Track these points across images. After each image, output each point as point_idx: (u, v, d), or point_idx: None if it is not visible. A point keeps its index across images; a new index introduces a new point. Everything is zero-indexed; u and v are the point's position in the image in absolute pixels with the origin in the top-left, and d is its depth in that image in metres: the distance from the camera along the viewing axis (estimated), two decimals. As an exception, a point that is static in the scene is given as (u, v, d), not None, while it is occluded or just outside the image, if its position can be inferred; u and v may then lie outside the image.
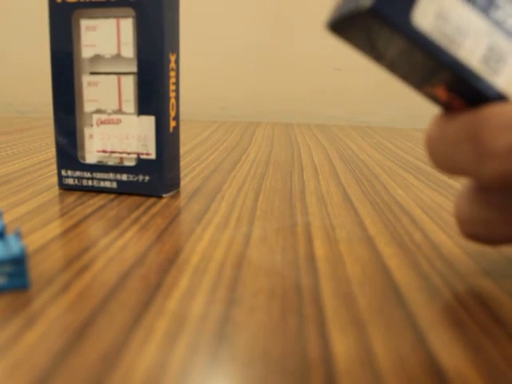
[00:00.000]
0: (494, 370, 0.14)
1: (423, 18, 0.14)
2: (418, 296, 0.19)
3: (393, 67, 0.16)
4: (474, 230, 0.17)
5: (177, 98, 0.32)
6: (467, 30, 0.14)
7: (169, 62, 0.30)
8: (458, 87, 0.15)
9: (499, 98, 0.15)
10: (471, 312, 0.17)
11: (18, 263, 0.18)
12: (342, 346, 0.15)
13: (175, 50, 0.31)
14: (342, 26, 0.15)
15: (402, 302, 0.18)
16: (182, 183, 0.36)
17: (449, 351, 0.15)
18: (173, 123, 0.32)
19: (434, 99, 0.16)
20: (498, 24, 0.14)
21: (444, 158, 0.15)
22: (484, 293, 0.19)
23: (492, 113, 0.14)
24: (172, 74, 0.31)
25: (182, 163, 0.45)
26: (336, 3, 0.15)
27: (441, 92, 0.15)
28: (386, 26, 0.14)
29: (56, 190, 0.33)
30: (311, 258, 0.22)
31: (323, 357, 0.14)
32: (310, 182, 0.38)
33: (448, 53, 0.14)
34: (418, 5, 0.14)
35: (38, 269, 0.20)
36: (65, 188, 0.33)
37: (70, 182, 0.33)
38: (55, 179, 0.36)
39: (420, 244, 0.24)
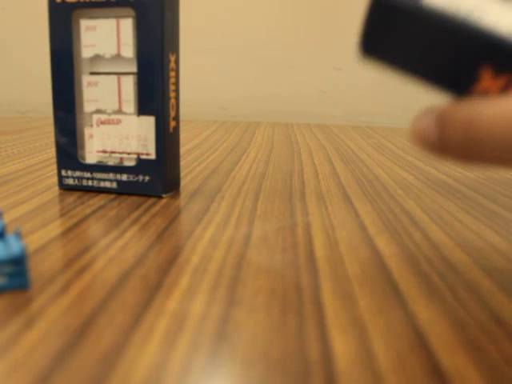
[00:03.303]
0: (494, 370, 0.14)
1: None
2: (417, 296, 0.19)
3: (432, 72, 0.15)
4: None
5: (177, 98, 0.32)
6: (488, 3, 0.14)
7: (169, 62, 0.30)
8: (502, 63, 0.14)
9: None
10: (471, 312, 0.17)
11: (18, 263, 0.18)
12: (341, 346, 0.15)
13: (175, 50, 0.31)
14: (371, 39, 0.15)
15: (402, 302, 0.18)
16: (182, 183, 0.36)
17: (449, 351, 0.15)
18: (173, 123, 0.32)
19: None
20: None
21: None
22: (484, 293, 0.19)
23: None
24: (172, 74, 0.31)
25: (182, 163, 0.45)
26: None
27: (489, 81, 0.14)
28: (399, 13, 0.14)
29: (56, 190, 0.33)
30: (311, 258, 0.22)
31: (323, 357, 0.14)
32: (310, 182, 0.38)
33: (471, 22, 0.13)
34: None
35: (38, 269, 0.20)
36: (65, 188, 0.33)
37: (70, 182, 0.33)
38: (55, 179, 0.36)
39: (420, 244, 0.24)
